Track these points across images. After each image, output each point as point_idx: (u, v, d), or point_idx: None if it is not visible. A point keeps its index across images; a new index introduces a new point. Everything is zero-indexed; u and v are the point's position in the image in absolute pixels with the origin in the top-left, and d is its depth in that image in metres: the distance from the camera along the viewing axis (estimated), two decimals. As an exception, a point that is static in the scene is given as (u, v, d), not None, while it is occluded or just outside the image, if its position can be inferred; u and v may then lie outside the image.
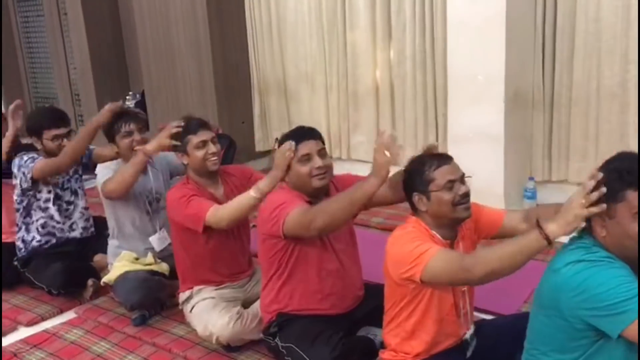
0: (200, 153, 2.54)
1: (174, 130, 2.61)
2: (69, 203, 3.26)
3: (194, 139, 2.55)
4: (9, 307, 3.02)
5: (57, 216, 3.21)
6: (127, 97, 5.72)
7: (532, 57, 3.72)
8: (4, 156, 3.23)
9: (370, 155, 2.42)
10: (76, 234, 3.30)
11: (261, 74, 5.08)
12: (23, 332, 2.85)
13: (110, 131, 2.89)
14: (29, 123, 3.15)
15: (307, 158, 2.20)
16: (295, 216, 2.09)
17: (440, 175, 1.89)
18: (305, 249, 2.21)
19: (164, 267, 2.92)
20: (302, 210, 2.10)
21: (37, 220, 3.19)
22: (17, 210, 3.20)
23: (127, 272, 2.79)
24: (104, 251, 3.26)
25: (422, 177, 1.91)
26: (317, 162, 2.19)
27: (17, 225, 3.23)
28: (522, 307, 2.66)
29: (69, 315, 2.96)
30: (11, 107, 3.28)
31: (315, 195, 2.23)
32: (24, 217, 3.20)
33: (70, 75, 6.68)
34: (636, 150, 1.66)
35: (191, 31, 4.85)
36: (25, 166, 3.06)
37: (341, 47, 4.57)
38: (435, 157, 1.95)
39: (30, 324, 2.88)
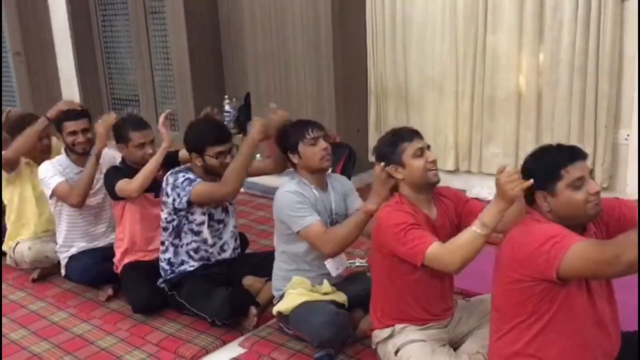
0: (420, 162, 2.18)
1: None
2: (219, 222, 2.95)
3: (409, 148, 2.19)
4: (164, 336, 2.71)
5: (210, 239, 2.90)
6: (227, 102, 5.43)
7: None
8: (154, 173, 2.93)
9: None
10: (227, 255, 2.99)
11: (379, 79, 4.73)
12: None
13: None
14: (191, 138, 2.84)
15: (580, 182, 1.83)
16: (583, 251, 1.70)
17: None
18: (572, 291, 1.84)
19: (343, 297, 2.58)
20: (589, 243, 1.73)
21: (188, 244, 2.88)
22: (165, 229, 2.90)
23: (307, 303, 2.46)
24: (250, 272, 2.98)
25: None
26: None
27: (163, 244, 2.93)
28: None
29: (234, 347, 2.63)
30: (161, 119, 3.00)
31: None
32: (173, 238, 2.89)
33: (154, 77, 6.44)
34: None
35: (311, 33, 4.52)
36: (181, 188, 2.74)
37: (480, 50, 4.19)
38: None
39: (195, 358, 2.57)
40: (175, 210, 2.83)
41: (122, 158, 3.10)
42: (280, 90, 4.84)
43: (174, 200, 2.79)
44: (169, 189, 2.80)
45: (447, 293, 2.33)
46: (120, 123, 3.06)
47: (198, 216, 2.87)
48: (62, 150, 3.28)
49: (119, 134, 3.02)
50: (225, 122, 5.40)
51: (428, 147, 2.25)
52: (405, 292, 2.23)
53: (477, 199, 3.41)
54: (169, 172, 2.86)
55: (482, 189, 4.24)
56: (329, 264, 2.59)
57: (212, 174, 2.82)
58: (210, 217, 2.89)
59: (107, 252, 3.23)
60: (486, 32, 4.15)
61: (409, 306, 2.24)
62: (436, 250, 2.01)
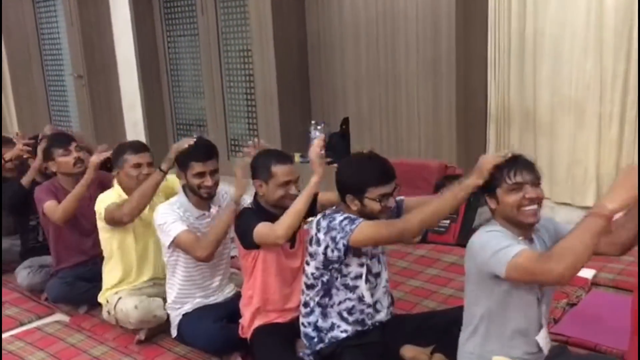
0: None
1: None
2: (376, 275, 2.39)
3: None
4: None
5: (367, 296, 2.33)
6: (318, 127, 4.91)
7: None
8: (303, 213, 2.39)
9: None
10: (381, 316, 2.41)
11: (501, 100, 4.15)
12: None
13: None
14: (348, 177, 2.29)
15: None
16: None
17: None
18: None
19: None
20: None
21: (340, 303, 2.32)
22: (311, 287, 2.34)
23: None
24: (408, 339, 2.41)
25: None
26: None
27: (307, 305, 2.37)
28: None
29: None
30: (317, 147, 2.42)
31: None
32: (321, 297, 2.33)
33: (225, 100, 5.97)
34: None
35: (428, 48, 3.98)
36: (339, 229, 2.19)
37: (633, 68, 3.61)
38: None
39: None
40: (327, 263, 2.28)
41: (255, 199, 2.56)
42: (386, 114, 4.31)
43: (326, 248, 2.24)
44: (321, 235, 2.25)
45: None
46: (261, 156, 2.54)
47: (354, 268, 2.30)
48: (180, 190, 2.77)
49: (260, 169, 2.50)
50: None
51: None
52: None
53: None
54: (318, 216, 2.32)
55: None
56: (541, 338, 2.00)
57: (372, 219, 2.27)
58: (368, 269, 2.34)
59: (226, 311, 2.72)
60: (643, 46, 3.57)
61: None
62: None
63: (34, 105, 7.39)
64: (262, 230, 2.37)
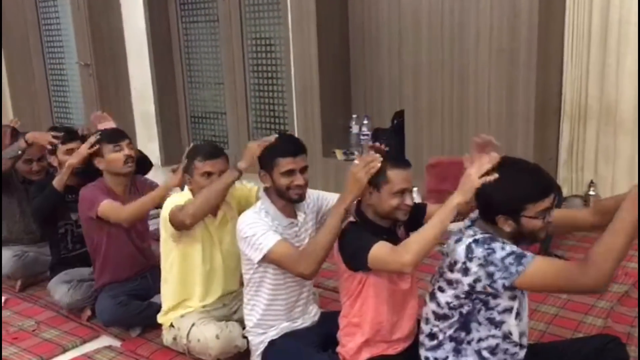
0: None
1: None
2: (524, 308, 2.01)
3: None
4: None
5: (515, 334, 1.95)
6: (364, 123, 4.52)
7: None
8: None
9: None
10: (520, 357, 2.04)
11: (577, 94, 3.80)
12: None
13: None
14: (509, 194, 1.89)
15: None
16: None
17: None
18: None
19: None
20: None
21: (479, 340, 1.92)
22: (444, 317, 1.94)
23: None
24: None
25: None
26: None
27: (434, 337, 1.98)
28: None
29: None
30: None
31: None
32: (454, 330, 1.93)
33: (247, 90, 5.54)
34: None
35: (504, 37, 3.60)
36: (502, 267, 1.76)
37: None
38: None
39: None
40: (472, 294, 1.89)
41: (359, 210, 2.15)
42: (449, 108, 3.93)
43: (476, 281, 1.84)
44: (473, 265, 1.83)
45: None
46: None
47: (504, 301, 1.90)
48: (262, 195, 2.35)
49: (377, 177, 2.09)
50: (361, 148, 4.52)
51: None
52: None
53: None
54: (467, 240, 1.92)
55: None
56: None
57: (531, 239, 1.90)
58: (519, 302, 1.95)
59: (318, 338, 2.32)
60: None
61: None
62: None
63: (33, 96, 6.85)
64: (383, 254, 1.95)
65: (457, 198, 1.85)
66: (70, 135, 3.12)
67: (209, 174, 2.46)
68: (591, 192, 3.79)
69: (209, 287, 2.59)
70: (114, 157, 2.81)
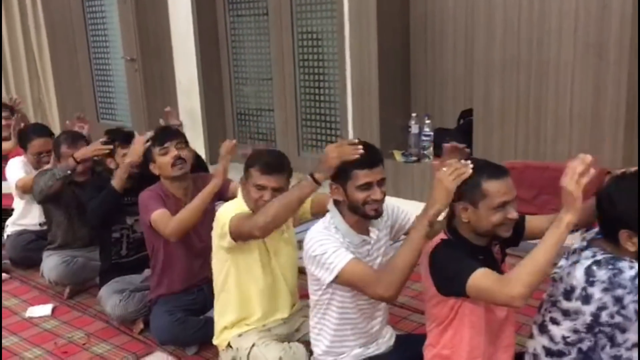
0: None
1: None
2: None
3: None
4: None
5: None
6: (427, 122, 4.23)
7: None
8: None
9: None
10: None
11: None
12: None
13: None
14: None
15: None
16: None
17: None
18: None
19: None
20: None
21: None
22: (559, 354, 1.67)
23: None
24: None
25: None
26: None
27: None
28: None
29: None
30: None
31: None
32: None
33: (297, 87, 5.30)
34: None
35: (591, 31, 3.28)
36: (633, 287, 1.50)
37: None
38: None
39: None
40: (595, 327, 1.61)
41: (452, 226, 1.87)
42: (525, 107, 3.60)
43: (601, 309, 1.57)
44: (595, 290, 1.57)
45: None
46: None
47: (632, 335, 1.63)
48: (331, 208, 2.09)
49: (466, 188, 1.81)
50: (423, 149, 4.24)
51: None
52: None
53: None
54: (587, 262, 1.64)
55: None
56: None
57: None
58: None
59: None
60: None
61: None
62: None
63: (78, 92, 6.74)
64: (489, 284, 1.68)
65: (567, 217, 1.60)
66: (127, 137, 2.93)
67: (262, 187, 2.24)
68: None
69: (269, 303, 2.36)
70: (162, 161, 2.61)
